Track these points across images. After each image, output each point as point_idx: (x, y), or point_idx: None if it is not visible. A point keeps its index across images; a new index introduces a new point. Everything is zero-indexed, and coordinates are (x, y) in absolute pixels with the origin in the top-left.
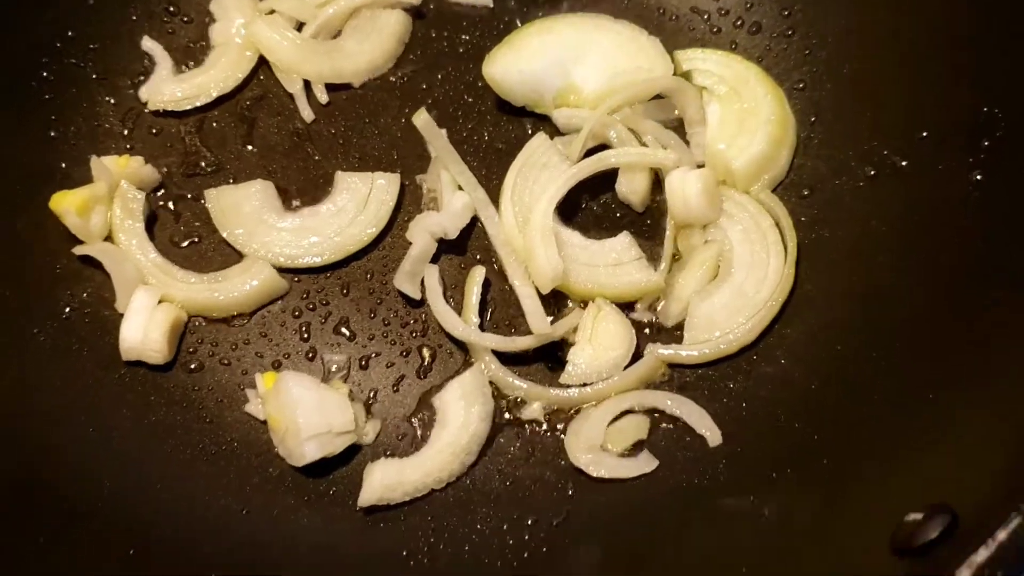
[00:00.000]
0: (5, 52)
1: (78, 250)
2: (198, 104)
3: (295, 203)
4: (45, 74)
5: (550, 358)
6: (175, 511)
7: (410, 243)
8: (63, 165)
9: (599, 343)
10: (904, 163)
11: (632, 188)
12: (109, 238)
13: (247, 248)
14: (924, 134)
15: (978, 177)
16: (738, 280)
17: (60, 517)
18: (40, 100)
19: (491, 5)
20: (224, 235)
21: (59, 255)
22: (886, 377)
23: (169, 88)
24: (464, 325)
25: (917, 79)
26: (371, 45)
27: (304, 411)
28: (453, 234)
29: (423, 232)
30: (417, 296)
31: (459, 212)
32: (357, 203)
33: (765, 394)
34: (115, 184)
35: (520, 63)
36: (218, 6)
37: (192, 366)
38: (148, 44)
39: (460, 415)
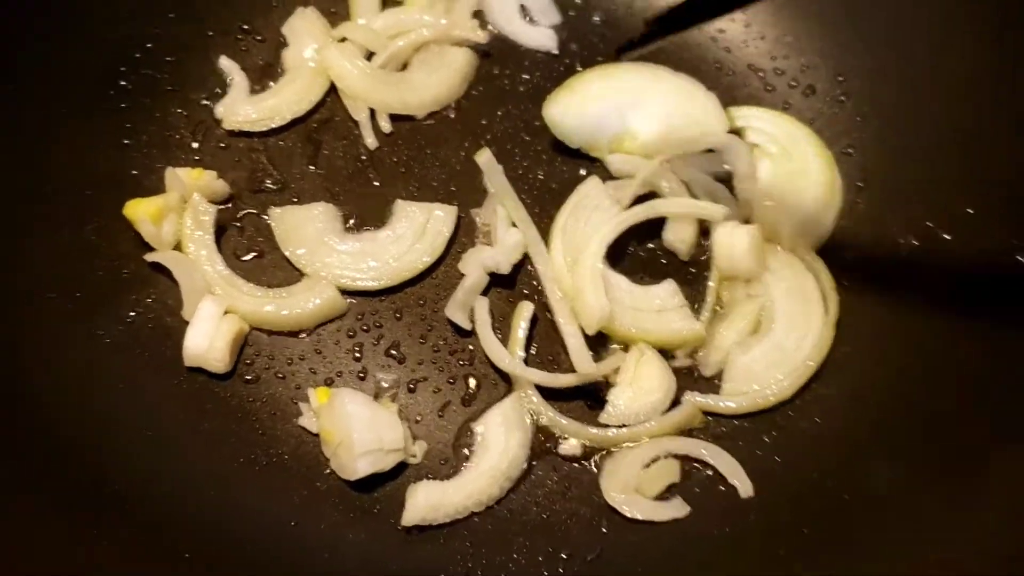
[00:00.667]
0: (87, 60)
1: (150, 256)
2: (272, 127)
3: (353, 225)
4: (123, 83)
5: (590, 396)
6: (226, 517)
7: (462, 274)
8: (134, 172)
9: (640, 386)
10: (948, 237)
11: (679, 237)
12: (178, 247)
13: (308, 267)
14: (970, 210)
15: (1022, 259)
16: (778, 336)
17: (115, 514)
18: (116, 108)
19: (556, 51)
20: (286, 253)
21: (126, 260)
22: (919, 444)
23: (244, 109)
24: (510, 357)
25: (967, 155)
26: (437, 79)
27: (358, 427)
28: (506, 269)
29: (476, 265)
30: (467, 326)
31: (512, 248)
32: (415, 231)
33: (799, 450)
34: (187, 195)
35: (579, 106)
36: (290, 30)
37: (248, 377)
38: (225, 63)
39: (501, 441)
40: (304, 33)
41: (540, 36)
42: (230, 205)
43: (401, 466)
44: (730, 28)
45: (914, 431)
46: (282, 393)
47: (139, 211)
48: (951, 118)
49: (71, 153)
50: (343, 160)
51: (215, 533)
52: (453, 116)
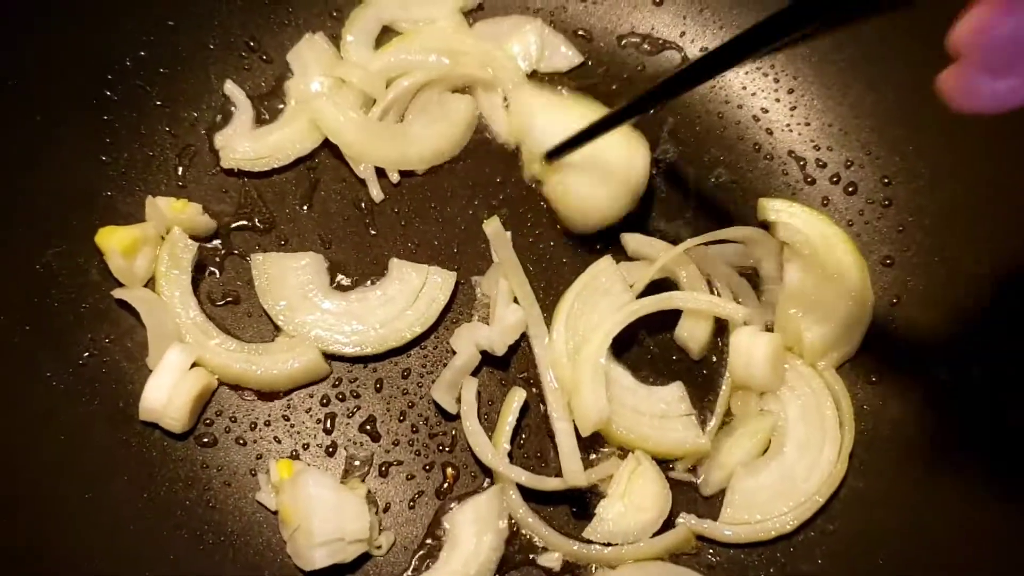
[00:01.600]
0: (70, 64)
1: (117, 293)
2: (272, 167)
3: (342, 280)
4: (108, 93)
5: (577, 503)
6: None
7: (453, 350)
8: (108, 194)
9: (632, 501)
10: (981, 376)
11: (692, 335)
12: (149, 284)
13: (286, 324)
14: (1008, 348)
15: None
16: (789, 461)
17: None
18: (97, 121)
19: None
20: (265, 305)
21: (87, 292)
22: None
23: (243, 145)
24: (494, 451)
25: (1016, 287)
26: (437, 130)
27: (320, 513)
28: (500, 351)
29: (469, 343)
30: (453, 411)
31: (511, 328)
32: (408, 296)
33: None
34: (167, 228)
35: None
36: (296, 59)
37: (205, 440)
38: (231, 89)
39: (471, 541)
40: (311, 63)
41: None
42: (216, 243)
43: (363, 557)
44: (774, 109)
45: None
46: (240, 462)
47: (112, 241)
48: (1001, 246)
49: (39, 165)
50: (340, 204)
51: None
52: (463, 169)
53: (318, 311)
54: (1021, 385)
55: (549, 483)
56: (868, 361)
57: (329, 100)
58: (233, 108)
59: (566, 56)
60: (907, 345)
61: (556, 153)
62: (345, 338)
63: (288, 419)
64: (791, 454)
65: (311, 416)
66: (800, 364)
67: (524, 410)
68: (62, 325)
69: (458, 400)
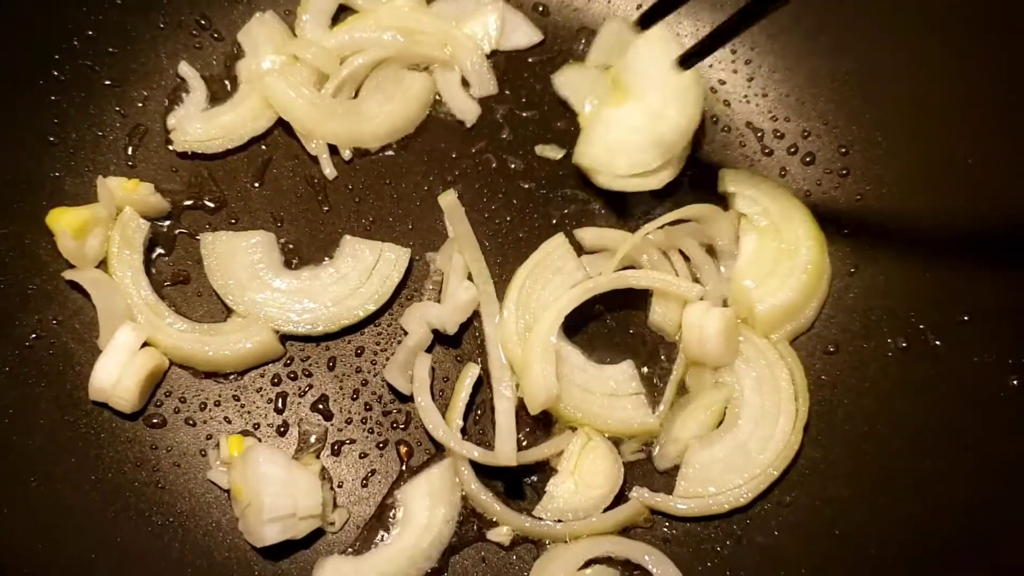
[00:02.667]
0: (16, 43)
1: (68, 274)
2: (226, 148)
3: (293, 255)
4: (56, 72)
5: (532, 472)
6: None
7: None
8: (55, 174)
9: (582, 478)
10: (939, 343)
11: (666, 318)
12: (100, 265)
13: (237, 304)
14: (966, 317)
15: (1015, 382)
16: (743, 434)
17: None
18: (45, 100)
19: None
20: (215, 285)
21: (33, 274)
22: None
23: (195, 128)
24: (446, 428)
25: (970, 259)
26: (392, 108)
27: (271, 490)
28: (452, 329)
29: (421, 322)
30: (407, 391)
31: (462, 306)
32: (360, 273)
33: (752, 565)
34: (118, 208)
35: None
36: (247, 38)
37: (155, 420)
38: (186, 70)
39: (424, 515)
40: (262, 43)
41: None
42: (168, 223)
43: (316, 533)
44: (731, 80)
45: (879, 558)
46: (190, 443)
47: (62, 222)
48: (958, 215)
49: None
50: (292, 181)
51: None
52: (418, 146)
53: (269, 290)
54: (980, 351)
55: (501, 458)
56: (826, 331)
57: (280, 77)
58: (186, 89)
59: (526, 34)
60: (865, 314)
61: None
62: (297, 316)
63: (238, 399)
64: (746, 427)
65: (262, 396)
66: (755, 336)
67: (478, 386)
68: (8, 307)
69: (412, 379)
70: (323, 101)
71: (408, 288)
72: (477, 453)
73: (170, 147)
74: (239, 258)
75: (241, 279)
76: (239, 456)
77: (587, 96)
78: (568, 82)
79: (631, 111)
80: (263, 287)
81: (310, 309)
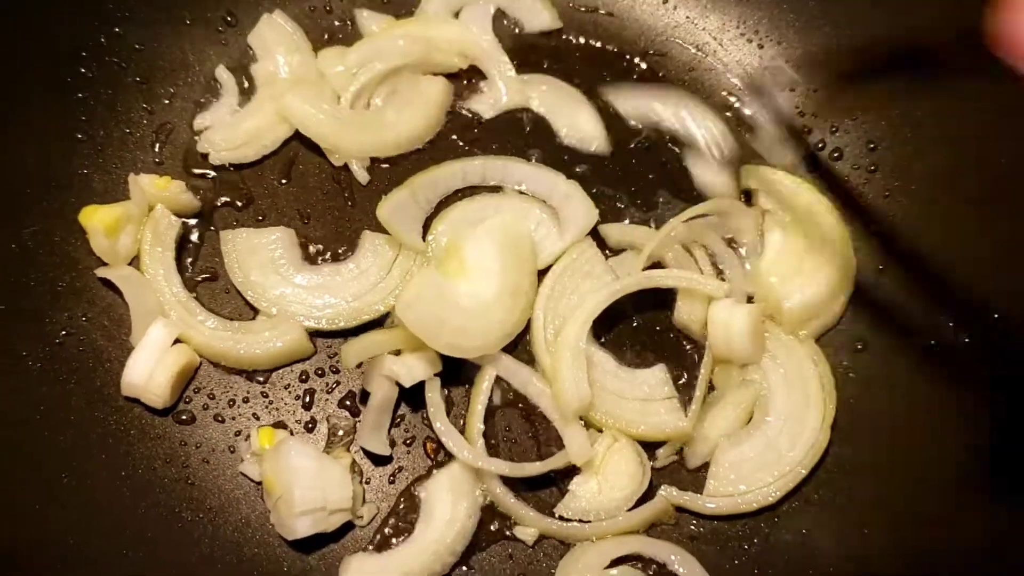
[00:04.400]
0: (47, 41)
1: (101, 272)
2: (262, 155)
3: (316, 252)
4: (83, 70)
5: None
6: None
7: None
8: (84, 172)
9: (606, 479)
10: (968, 340)
11: (693, 316)
12: (132, 263)
13: (257, 300)
14: (995, 315)
15: None
16: (773, 431)
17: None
18: (72, 98)
19: None
20: (235, 282)
21: (63, 271)
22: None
23: (219, 138)
24: (470, 449)
25: (1001, 257)
26: (412, 114)
27: (302, 483)
28: (409, 383)
29: (381, 380)
30: (386, 452)
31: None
32: (381, 268)
33: (781, 564)
34: (149, 206)
35: None
36: (257, 40)
37: (184, 417)
38: (222, 75)
39: (447, 510)
40: (273, 43)
41: None
42: (196, 221)
43: (345, 528)
44: (757, 77)
45: (908, 557)
46: (219, 439)
47: (95, 219)
48: (989, 211)
49: (14, 144)
50: (318, 178)
51: None
52: (443, 145)
53: (290, 286)
54: (1010, 349)
55: (530, 468)
56: (855, 330)
57: (297, 95)
58: (219, 88)
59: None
60: (893, 311)
61: None
62: (319, 312)
63: (267, 396)
64: (775, 424)
65: (290, 392)
66: (781, 333)
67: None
68: (38, 304)
69: (391, 443)
70: (343, 114)
71: None
72: (508, 468)
73: (186, 130)
74: (259, 255)
75: (262, 275)
76: (271, 449)
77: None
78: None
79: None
80: (283, 283)
81: (331, 304)
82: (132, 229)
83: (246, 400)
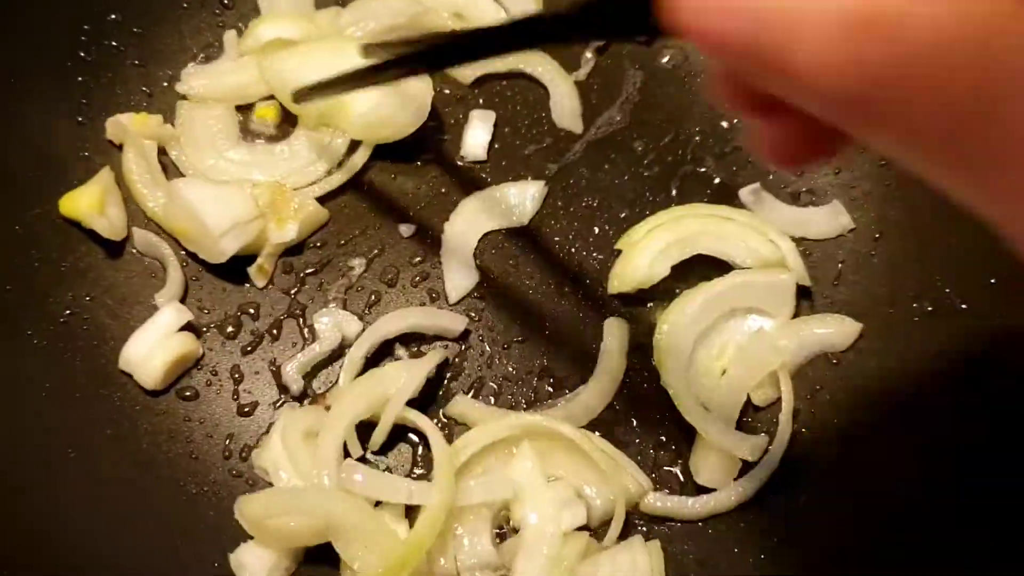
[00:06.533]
0: (45, 24)
1: (138, 242)
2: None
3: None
4: (83, 53)
5: None
6: (150, 564)
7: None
8: (84, 154)
9: None
10: (964, 306)
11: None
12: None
13: (188, 168)
14: (992, 280)
15: None
16: None
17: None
18: (72, 81)
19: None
20: (173, 154)
21: (66, 251)
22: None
23: (201, 83)
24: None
25: None
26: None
27: (207, 211)
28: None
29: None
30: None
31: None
32: (311, 150)
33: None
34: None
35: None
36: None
37: (187, 393)
38: (228, 38)
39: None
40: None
41: None
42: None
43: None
44: None
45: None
46: (222, 414)
47: (80, 206)
48: None
49: (15, 128)
50: None
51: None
52: None
53: (222, 160)
54: (1006, 314)
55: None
56: (851, 296)
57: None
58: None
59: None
60: (890, 279)
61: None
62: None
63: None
64: None
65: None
66: None
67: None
68: (42, 285)
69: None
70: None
71: None
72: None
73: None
74: (200, 126)
75: (199, 146)
76: (165, 200)
77: None
78: None
79: None
80: (217, 156)
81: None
82: (115, 198)
83: (257, 373)
